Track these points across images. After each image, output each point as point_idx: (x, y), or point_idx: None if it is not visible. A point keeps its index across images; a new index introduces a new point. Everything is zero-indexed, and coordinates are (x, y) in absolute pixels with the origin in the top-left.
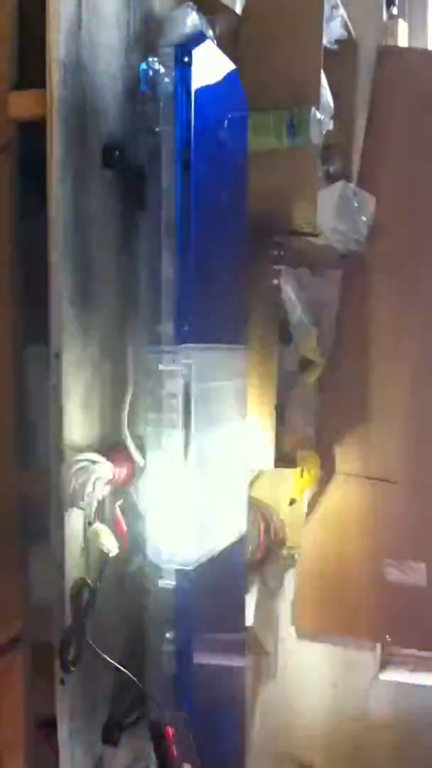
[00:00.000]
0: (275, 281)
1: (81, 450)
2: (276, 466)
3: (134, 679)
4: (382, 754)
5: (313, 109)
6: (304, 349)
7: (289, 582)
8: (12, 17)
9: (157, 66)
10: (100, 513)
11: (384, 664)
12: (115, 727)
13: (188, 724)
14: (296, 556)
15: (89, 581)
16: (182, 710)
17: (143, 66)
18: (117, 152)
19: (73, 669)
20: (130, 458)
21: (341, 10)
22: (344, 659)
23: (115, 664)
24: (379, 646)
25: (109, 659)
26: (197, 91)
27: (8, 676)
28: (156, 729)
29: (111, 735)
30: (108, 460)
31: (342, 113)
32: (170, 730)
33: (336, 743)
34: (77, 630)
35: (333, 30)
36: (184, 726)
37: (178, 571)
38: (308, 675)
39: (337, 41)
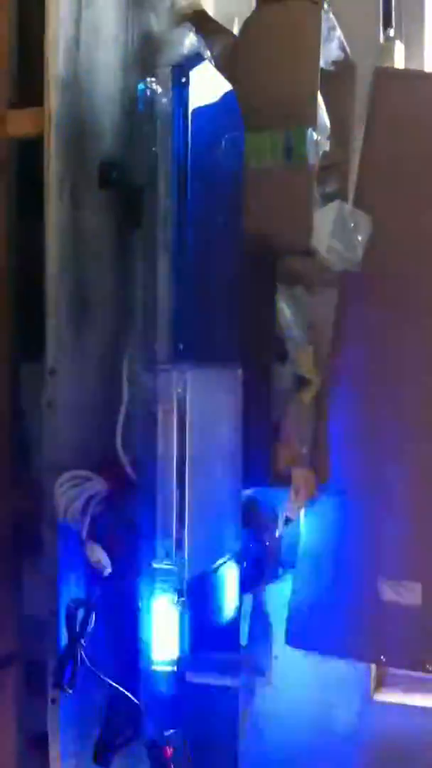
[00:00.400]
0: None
1: (75, 467)
2: (271, 484)
3: (131, 697)
4: None
5: (310, 129)
6: (299, 368)
7: (284, 601)
8: (11, 36)
9: (154, 86)
10: (94, 530)
11: (378, 685)
12: (107, 747)
13: (185, 743)
14: (290, 573)
15: (85, 601)
16: (179, 729)
17: (141, 86)
18: (114, 171)
19: (69, 691)
20: (124, 475)
21: (338, 32)
22: (337, 679)
23: (113, 683)
24: (373, 666)
25: (107, 680)
26: (194, 111)
27: (1, 693)
28: (155, 749)
29: (103, 755)
30: (102, 477)
31: (338, 134)
32: (169, 750)
33: (329, 764)
34: (73, 650)
35: (330, 51)
36: (181, 745)
37: (173, 590)
38: (301, 695)
39: (334, 62)
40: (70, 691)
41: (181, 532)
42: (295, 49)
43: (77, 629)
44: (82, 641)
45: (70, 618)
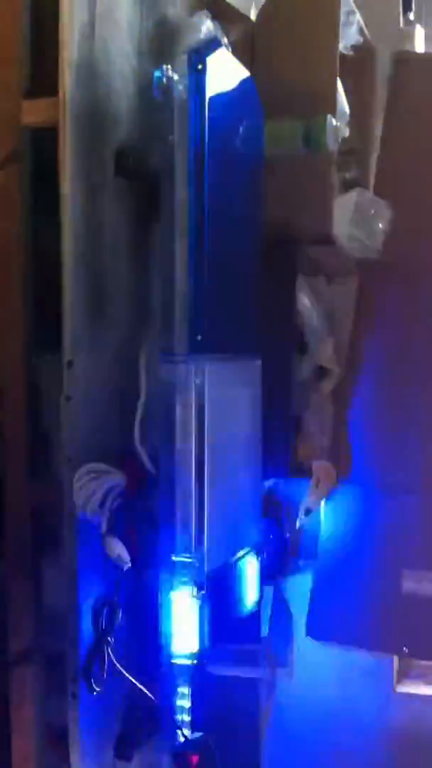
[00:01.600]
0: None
1: (93, 460)
2: (291, 476)
3: (150, 695)
4: (398, 766)
5: (329, 116)
6: (319, 358)
7: (305, 593)
8: (24, 24)
9: (171, 73)
10: (113, 524)
11: (401, 677)
12: (128, 742)
13: (212, 746)
14: (311, 565)
15: (110, 597)
16: (205, 734)
17: (157, 73)
18: (130, 159)
19: (98, 690)
20: (142, 469)
21: (357, 16)
22: (360, 671)
23: (133, 680)
24: (395, 658)
25: (129, 676)
26: (211, 98)
27: (21, 688)
28: (181, 758)
29: (124, 750)
30: (120, 470)
31: (358, 120)
32: (194, 759)
33: (351, 756)
34: (100, 648)
35: (349, 36)
36: (208, 750)
37: (193, 582)
38: (323, 687)
39: (353, 47)
40: (99, 690)
41: (200, 525)
42: (314, 34)
43: (103, 626)
44: (109, 638)
45: (96, 615)
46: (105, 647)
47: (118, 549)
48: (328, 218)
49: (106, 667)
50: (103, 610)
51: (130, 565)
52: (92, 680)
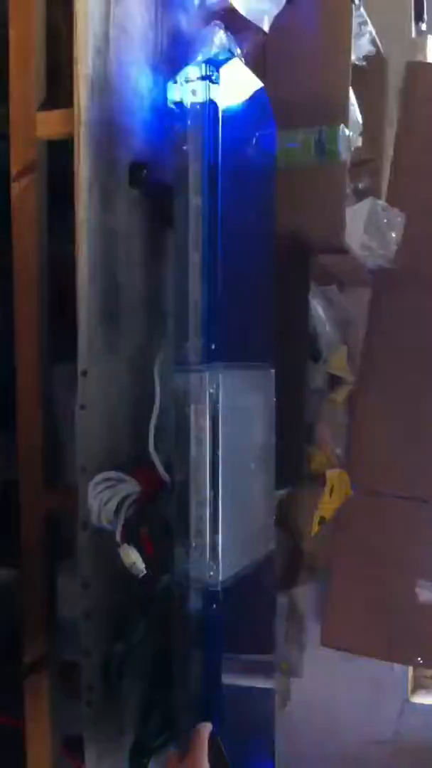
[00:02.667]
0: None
1: (108, 468)
2: (305, 485)
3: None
4: None
5: (342, 126)
6: (332, 367)
7: (319, 602)
8: (39, 36)
9: (184, 84)
10: (127, 532)
11: (415, 687)
12: (143, 751)
13: (221, 745)
14: (326, 575)
15: (127, 606)
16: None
17: (170, 84)
18: (144, 170)
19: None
20: (157, 477)
21: (369, 27)
22: (375, 681)
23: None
24: (410, 668)
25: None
26: (225, 109)
27: (35, 696)
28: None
29: (138, 760)
30: (134, 478)
31: (371, 130)
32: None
33: (366, 767)
34: (115, 656)
35: (361, 46)
36: (218, 749)
37: (206, 591)
38: (339, 697)
39: (365, 57)
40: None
41: (214, 533)
42: (326, 45)
43: (118, 634)
44: (124, 646)
45: (110, 623)
46: (120, 655)
47: (132, 556)
48: (341, 227)
49: (120, 675)
50: (117, 618)
51: (144, 572)
52: (107, 688)
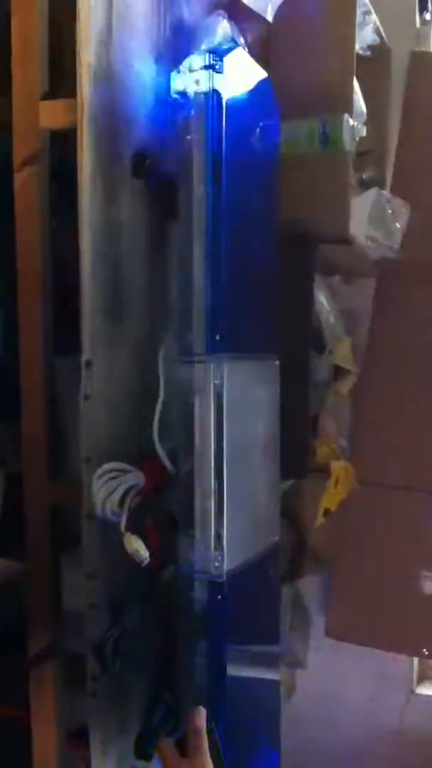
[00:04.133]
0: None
1: (112, 459)
2: (310, 476)
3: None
4: None
5: (346, 116)
6: (337, 358)
7: (324, 594)
8: (42, 25)
9: (187, 74)
10: (132, 523)
11: (421, 678)
12: (148, 741)
13: (216, 736)
14: (330, 567)
15: (132, 597)
16: (210, 724)
17: (174, 74)
18: (147, 161)
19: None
20: (161, 468)
21: (373, 16)
22: (380, 673)
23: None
24: (415, 659)
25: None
26: (228, 98)
27: (41, 688)
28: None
29: (144, 749)
30: (139, 469)
31: (375, 120)
32: None
33: (371, 758)
34: (115, 635)
35: (365, 36)
36: (214, 742)
37: (211, 582)
38: (344, 688)
39: (369, 47)
40: (113, 670)
41: (219, 524)
42: (330, 34)
43: (123, 625)
44: (129, 637)
45: (115, 614)
46: (124, 645)
47: (135, 544)
48: (346, 218)
49: (121, 651)
50: (122, 608)
51: (148, 560)
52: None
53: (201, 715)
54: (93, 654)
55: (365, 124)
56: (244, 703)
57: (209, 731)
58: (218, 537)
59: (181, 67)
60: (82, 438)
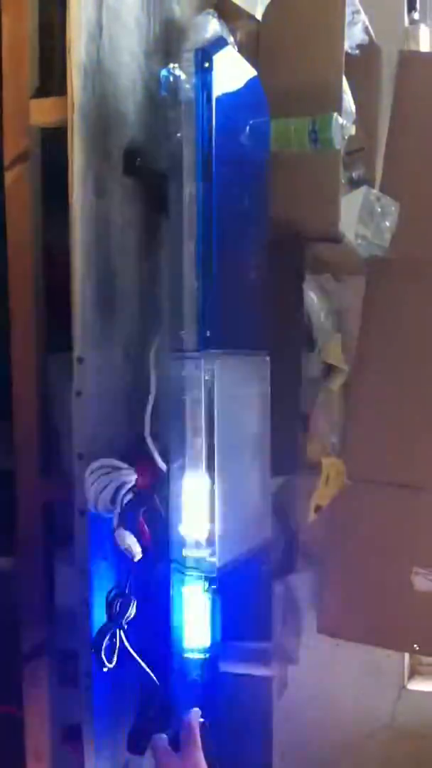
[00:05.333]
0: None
1: (104, 455)
2: (301, 473)
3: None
4: (409, 764)
5: (335, 114)
6: (327, 356)
7: (315, 590)
8: (32, 23)
9: (177, 71)
10: (124, 519)
11: (411, 674)
12: (141, 736)
13: (209, 731)
14: (322, 563)
15: (124, 592)
16: (204, 718)
17: (164, 72)
18: (138, 158)
19: (108, 666)
20: (153, 464)
21: (362, 15)
22: (372, 668)
23: (146, 669)
24: (406, 655)
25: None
26: (218, 96)
27: (33, 684)
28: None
29: (136, 744)
30: (131, 466)
31: (364, 118)
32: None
33: (363, 753)
34: (112, 629)
35: (354, 35)
36: (205, 735)
37: (203, 578)
38: (335, 684)
39: (358, 46)
40: (110, 666)
41: (211, 521)
42: (319, 33)
43: (115, 619)
44: (121, 631)
45: (108, 609)
46: (117, 639)
47: (128, 540)
48: (336, 216)
49: (116, 646)
50: (115, 604)
51: (141, 555)
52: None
53: (195, 713)
54: (91, 650)
55: (354, 122)
56: (235, 699)
57: (202, 727)
58: (210, 533)
59: (171, 65)
60: (74, 434)
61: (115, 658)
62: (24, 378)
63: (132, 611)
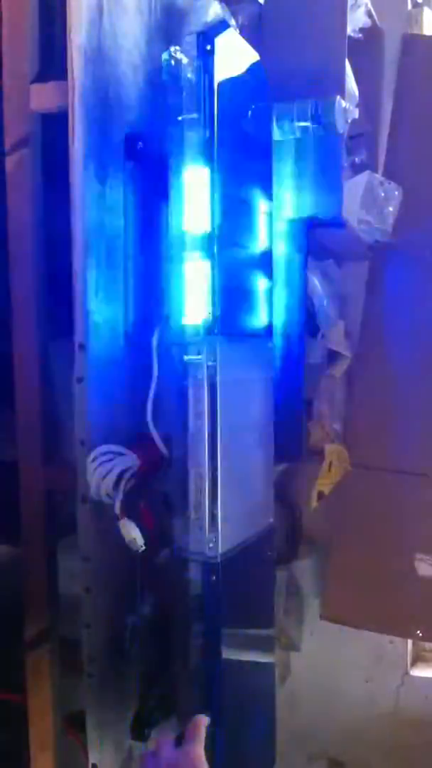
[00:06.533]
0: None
1: (106, 442)
2: (303, 459)
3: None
4: (414, 750)
5: (338, 98)
6: (330, 342)
7: (318, 577)
8: (33, 7)
9: (179, 55)
10: (127, 506)
11: (415, 660)
12: (145, 723)
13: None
14: (325, 550)
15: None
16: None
17: (165, 56)
18: (140, 143)
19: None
20: (155, 450)
21: None
22: (375, 655)
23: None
24: (410, 642)
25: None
26: (220, 80)
27: (37, 672)
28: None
29: (140, 731)
30: (133, 452)
31: (367, 102)
32: None
33: (367, 739)
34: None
35: (357, 18)
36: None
37: (206, 564)
38: (339, 671)
39: (361, 30)
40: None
41: (213, 507)
42: (322, 17)
43: (120, 609)
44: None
45: (112, 598)
46: (132, 627)
47: (132, 532)
48: (338, 201)
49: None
50: (117, 591)
51: (143, 547)
52: (119, 660)
53: (202, 717)
54: (107, 644)
55: (357, 106)
56: (239, 686)
57: (209, 724)
58: (213, 519)
59: (173, 49)
60: (75, 421)
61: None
62: (26, 365)
63: (135, 602)
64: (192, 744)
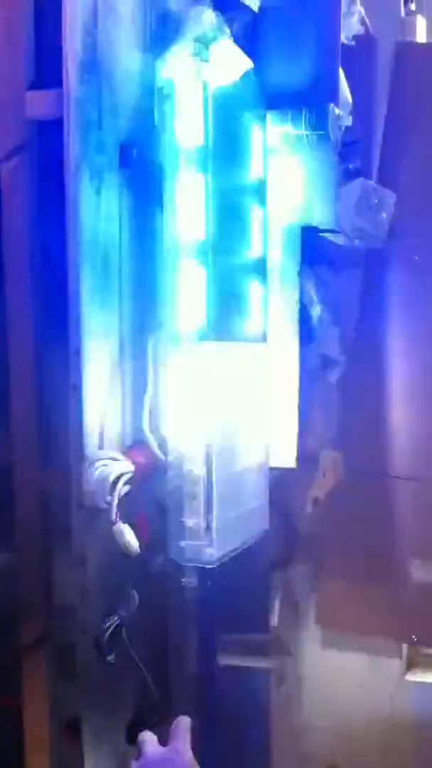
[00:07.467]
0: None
1: (102, 448)
2: (298, 465)
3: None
4: (408, 754)
5: (332, 105)
6: (325, 347)
7: (313, 582)
8: (28, 16)
9: (174, 64)
10: (122, 511)
11: (410, 665)
12: (140, 727)
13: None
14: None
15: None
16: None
17: (160, 64)
18: (134, 150)
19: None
20: (151, 456)
21: (359, 6)
22: (370, 660)
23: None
24: (405, 646)
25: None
26: (214, 88)
27: (33, 676)
28: None
29: (136, 735)
30: (129, 458)
31: (361, 109)
32: None
33: (362, 744)
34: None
35: (351, 26)
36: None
37: (201, 569)
38: (334, 675)
39: (355, 37)
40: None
41: (209, 511)
42: (316, 24)
43: (115, 612)
44: (121, 624)
45: (108, 601)
46: (117, 632)
47: (127, 536)
48: (333, 208)
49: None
50: (114, 596)
51: (138, 552)
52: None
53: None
54: (92, 644)
55: (351, 113)
56: (235, 691)
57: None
58: (208, 524)
59: (167, 57)
60: (71, 427)
61: (115, 652)
62: (22, 371)
63: (130, 604)
64: (177, 741)
